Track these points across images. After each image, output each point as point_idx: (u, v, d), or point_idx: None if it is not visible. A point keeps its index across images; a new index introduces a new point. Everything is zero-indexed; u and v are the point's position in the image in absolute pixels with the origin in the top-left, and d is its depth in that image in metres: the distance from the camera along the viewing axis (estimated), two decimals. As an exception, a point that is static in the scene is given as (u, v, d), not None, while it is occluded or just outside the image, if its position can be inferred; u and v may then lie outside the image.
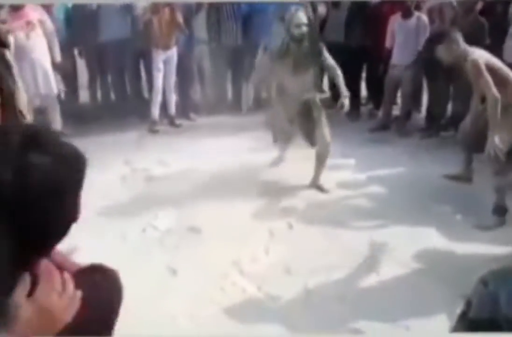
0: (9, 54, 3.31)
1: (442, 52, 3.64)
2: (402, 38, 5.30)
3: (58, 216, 0.82)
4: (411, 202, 3.86)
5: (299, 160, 4.35)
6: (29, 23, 4.96)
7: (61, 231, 0.85)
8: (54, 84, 5.14)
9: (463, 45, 3.59)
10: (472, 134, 3.88)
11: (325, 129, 4.02)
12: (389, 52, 5.44)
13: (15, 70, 3.63)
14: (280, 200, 3.93)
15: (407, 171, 4.49)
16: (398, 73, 5.38)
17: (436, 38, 3.71)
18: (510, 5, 4.95)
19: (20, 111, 3.50)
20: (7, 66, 3.28)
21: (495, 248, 3.16)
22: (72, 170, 0.82)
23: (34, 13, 5.04)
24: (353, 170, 4.54)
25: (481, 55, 3.57)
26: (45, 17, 5.12)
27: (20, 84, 3.69)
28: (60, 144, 0.83)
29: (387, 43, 5.44)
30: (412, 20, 5.28)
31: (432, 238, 3.37)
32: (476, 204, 3.77)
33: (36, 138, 0.80)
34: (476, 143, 3.81)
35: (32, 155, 0.77)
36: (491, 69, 3.49)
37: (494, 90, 3.41)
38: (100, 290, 0.94)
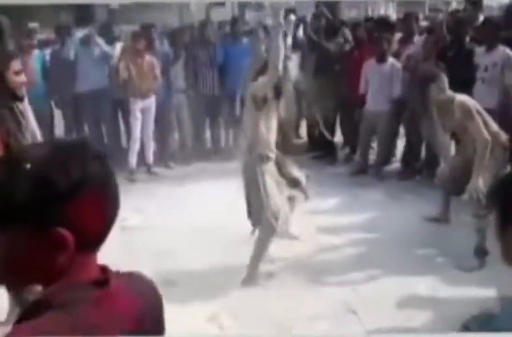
0: (21, 108, 3.18)
1: (434, 90, 3.68)
2: (376, 83, 5.39)
3: None
4: (393, 246, 3.83)
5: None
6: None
7: None
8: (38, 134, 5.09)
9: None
10: (451, 178, 3.90)
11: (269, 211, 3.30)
12: (363, 98, 5.55)
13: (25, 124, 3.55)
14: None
15: (387, 214, 4.47)
16: (373, 119, 5.46)
17: (427, 77, 3.76)
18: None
19: None
20: (18, 122, 3.14)
21: (479, 291, 3.11)
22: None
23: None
24: (334, 214, 4.51)
25: (467, 98, 3.68)
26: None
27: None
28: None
29: (361, 89, 5.55)
30: (386, 66, 5.38)
31: (416, 284, 3.32)
32: (458, 245, 3.75)
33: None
34: (455, 186, 3.84)
35: None
36: (477, 112, 3.59)
37: (485, 132, 3.50)
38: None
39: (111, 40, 6.03)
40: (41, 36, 6.63)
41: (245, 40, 6.33)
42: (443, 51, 5.02)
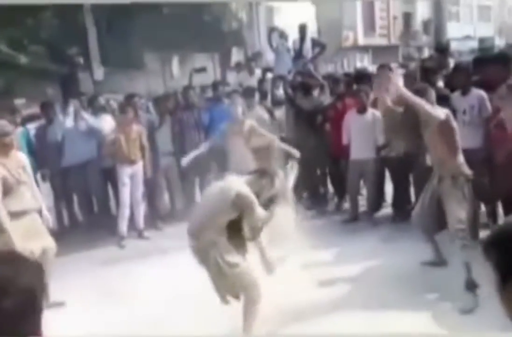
0: None
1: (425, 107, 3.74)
2: (359, 133, 5.49)
3: None
4: (395, 293, 3.74)
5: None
6: None
7: None
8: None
9: None
10: (428, 215, 3.94)
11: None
12: (347, 148, 5.62)
13: None
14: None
15: (384, 260, 4.41)
16: (359, 167, 5.52)
17: (418, 91, 3.83)
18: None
19: None
20: None
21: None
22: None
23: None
24: (329, 265, 4.45)
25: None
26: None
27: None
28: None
29: (344, 140, 5.63)
30: (368, 115, 5.49)
31: (420, 330, 3.20)
32: (457, 286, 3.66)
33: None
34: (431, 223, 3.90)
35: None
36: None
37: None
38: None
39: (97, 111, 6.17)
40: (26, 111, 6.76)
41: (227, 101, 6.51)
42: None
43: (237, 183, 3.20)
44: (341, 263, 4.45)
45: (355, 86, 6.05)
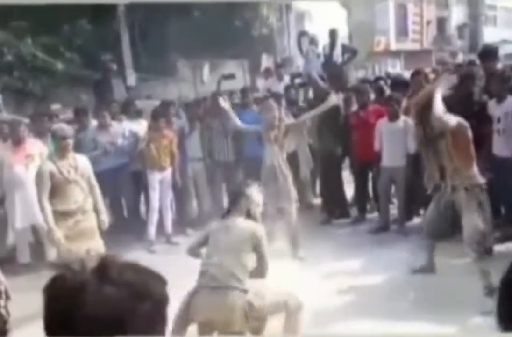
0: None
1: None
2: (391, 140, 5.41)
3: None
4: (422, 306, 3.66)
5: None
6: (28, 156, 5.16)
7: None
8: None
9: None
10: (442, 221, 3.94)
11: None
12: (378, 155, 5.55)
13: None
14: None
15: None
16: (390, 174, 5.43)
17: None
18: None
19: None
20: None
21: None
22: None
23: (34, 147, 5.27)
24: (356, 274, 4.38)
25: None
26: (45, 150, 5.32)
27: None
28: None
29: (376, 146, 5.57)
30: (399, 123, 5.41)
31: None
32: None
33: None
34: (446, 230, 3.93)
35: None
36: None
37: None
38: None
39: (132, 116, 6.26)
40: (61, 117, 6.92)
41: (254, 107, 6.51)
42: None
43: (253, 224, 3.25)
44: (369, 271, 4.38)
45: (387, 92, 5.98)
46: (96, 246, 4.06)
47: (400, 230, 5.42)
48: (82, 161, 4.28)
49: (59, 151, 4.15)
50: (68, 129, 4.20)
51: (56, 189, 4.01)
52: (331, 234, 5.45)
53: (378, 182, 5.61)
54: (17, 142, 5.20)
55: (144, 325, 0.82)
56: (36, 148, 5.28)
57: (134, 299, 0.81)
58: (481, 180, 3.74)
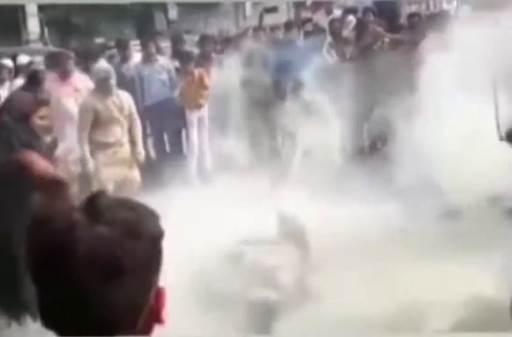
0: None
1: None
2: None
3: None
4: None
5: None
6: (77, 90, 5.27)
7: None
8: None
9: None
10: None
11: None
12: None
13: None
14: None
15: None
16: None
17: None
18: None
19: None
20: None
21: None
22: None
23: (81, 81, 5.35)
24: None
25: None
26: (91, 85, 5.33)
27: None
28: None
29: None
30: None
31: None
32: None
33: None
34: None
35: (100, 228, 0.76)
36: None
37: None
38: None
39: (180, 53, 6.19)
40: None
41: (299, 42, 6.33)
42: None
43: None
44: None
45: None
46: (132, 175, 4.35)
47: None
48: (125, 98, 4.43)
49: (103, 90, 4.30)
50: (107, 69, 4.31)
51: (97, 123, 4.26)
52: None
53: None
54: (65, 76, 5.21)
55: (141, 263, 0.77)
56: (83, 82, 5.36)
57: (129, 237, 0.76)
58: None
